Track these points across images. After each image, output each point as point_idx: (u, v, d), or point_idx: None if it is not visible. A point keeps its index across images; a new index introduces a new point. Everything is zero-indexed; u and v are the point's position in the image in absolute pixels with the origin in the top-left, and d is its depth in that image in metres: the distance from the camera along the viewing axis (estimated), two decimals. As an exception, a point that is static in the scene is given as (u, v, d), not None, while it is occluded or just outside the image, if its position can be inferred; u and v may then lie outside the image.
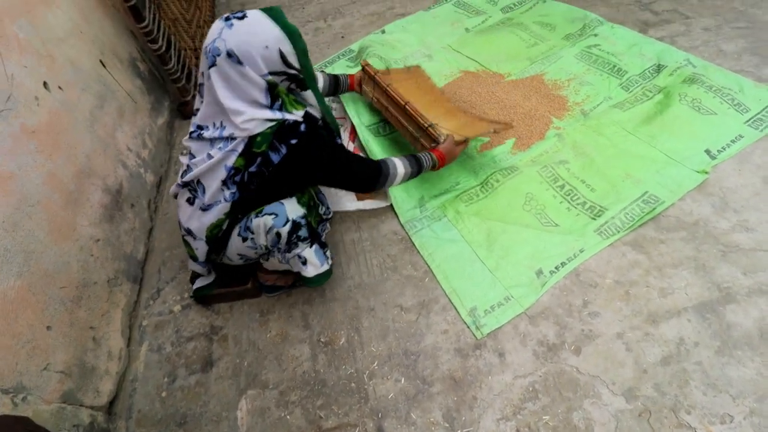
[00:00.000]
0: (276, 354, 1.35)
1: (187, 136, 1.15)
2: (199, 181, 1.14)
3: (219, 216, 1.16)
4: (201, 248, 1.26)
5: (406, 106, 1.52)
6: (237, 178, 1.09)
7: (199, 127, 1.11)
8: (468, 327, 1.28)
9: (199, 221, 1.19)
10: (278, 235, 1.14)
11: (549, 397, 1.13)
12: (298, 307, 1.44)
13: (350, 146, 1.68)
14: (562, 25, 2.27)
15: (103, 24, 1.82)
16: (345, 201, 1.56)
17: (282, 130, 1.05)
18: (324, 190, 1.54)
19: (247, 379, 1.31)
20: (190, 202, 1.18)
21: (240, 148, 1.05)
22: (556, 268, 1.34)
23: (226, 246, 1.25)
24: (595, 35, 2.15)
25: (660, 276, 1.29)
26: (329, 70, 2.01)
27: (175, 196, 1.25)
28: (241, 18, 0.98)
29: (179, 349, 1.41)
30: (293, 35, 1.00)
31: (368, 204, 1.57)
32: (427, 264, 1.45)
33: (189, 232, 1.24)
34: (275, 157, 1.07)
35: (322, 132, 1.15)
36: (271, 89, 1.03)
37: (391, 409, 1.18)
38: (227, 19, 0.99)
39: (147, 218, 1.74)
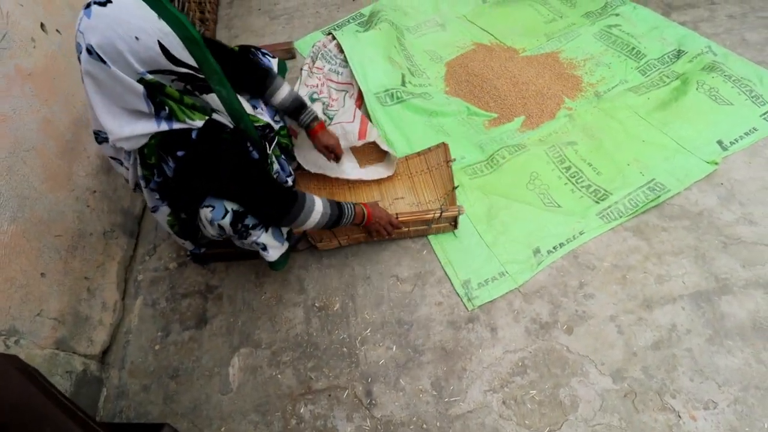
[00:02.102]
0: (270, 315, 1.36)
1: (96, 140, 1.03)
2: (139, 185, 1.07)
3: (166, 216, 1.12)
4: (179, 241, 1.26)
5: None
6: (152, 185, 1.02)
7: (97, 134, 1.02)
8: (461, 299, 1.28)
9: (157, 220, 1.16)
10: (221, 227, 1.03)
11: (537, 372, 1.14)
12: (294, 271, 1.44)
13: (356, 113, 1.63)
14: (583, 2, 2.17)
15: (104, -34, 1.73)
16: (347, 168, 1.52)
17: (166, 141, 0.90)
18: (306, 149, 1.44)
19: (240, 338, 1.32)
20: (146, 204, 1.13)
21: (138, 159, 0.96)
22: (554, 248, 1.33)
23: (199, 232, 1.19)
24: (617, 15, 2.07)
25: (659, 263, 1.29)
26: (338, 34, 1.93)
27: None
28: (104, 4, 0.74)
29: (174, 305, 1.42)
30: (176, 22, 0.79)
31: (371, 173, 1.53)
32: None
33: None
34: (167, 170, 0.94)
35: (224, 141, 0.96)
36: (152, 94, 0.83)
37: (381, 375, 1.20)
38: (87, 6, 0.76)
39: (145, 174, 1.71)
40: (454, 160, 1.49)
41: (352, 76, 1.80)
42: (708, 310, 1.19)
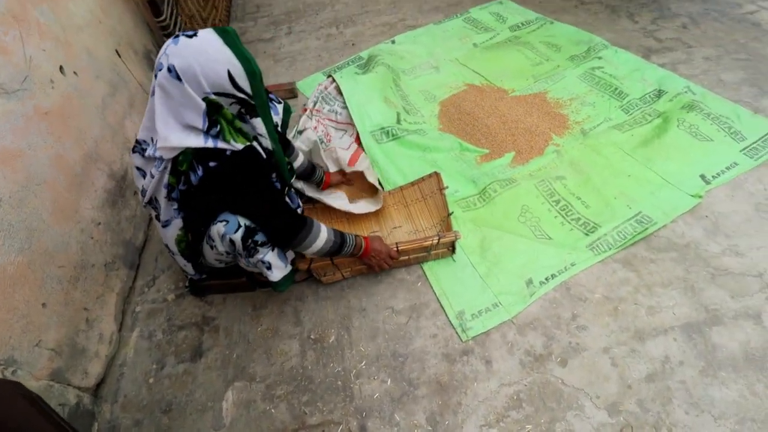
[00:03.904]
0: (265, 348, 1.36)
1: (132, 149, 1.14)
2: (155, 199, 1.14)
3: (177, 231, 1.17)
4: (181, 262, 1.29)
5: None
6: (174, 195, 1.09)
7: (138, 143, 1.10)
8: (455, 330, 1.29)
9: (166, 237, 1.20)
10: (232, 241, 1.11)
11: (533, 406, 1.14)
12: (291, 303, 1.46)
13: (351, 145, 1.73)
14: (568, 47, 2.32)
15: (122, 16, 1.87)
16: (336, 200, 1.57)
17: (203, 152, 1.00)
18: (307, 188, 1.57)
19: (235, 371, 1.32)
20: (158, 219, 1.18)
21: (169, 166, 1.04)
22: (546, 279, 1.36)
23: (202, 255, 1.27)
24: (599, 58, 2.20)
25: (649, 294, 1.31)
26: (337, 76, 2.06)
27: (151, 216, 1.25)
28: (190, 36, 0.93)
29: (170, 337, 1.43)
30: (244, 58, 0.95)
31: (360, 207, 1.58)
32: (420, 266, 1.46)
33: (168, 249, 1.26)
34: (194, 178, 1.03)
35: (255, 164, 1.07)
36: (211, 112, 0.97)
37: (376, 409, 1.19)
38: (175, 36, 0.94)
39: (148, 207, 1.76)
40: (447, 187, 1.54)
41: (349, 116, 1.90)
42: (699, 342, 1.20)
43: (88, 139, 1.45)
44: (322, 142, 1.78)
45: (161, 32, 1.97)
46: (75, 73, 1.44)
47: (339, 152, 1.66)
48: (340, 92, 2.00)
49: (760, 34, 2.32)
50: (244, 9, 3.23)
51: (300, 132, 1.81)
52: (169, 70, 0.91)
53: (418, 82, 2.25)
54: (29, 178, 1.17)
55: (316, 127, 1.85)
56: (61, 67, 1.37)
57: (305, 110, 1.96)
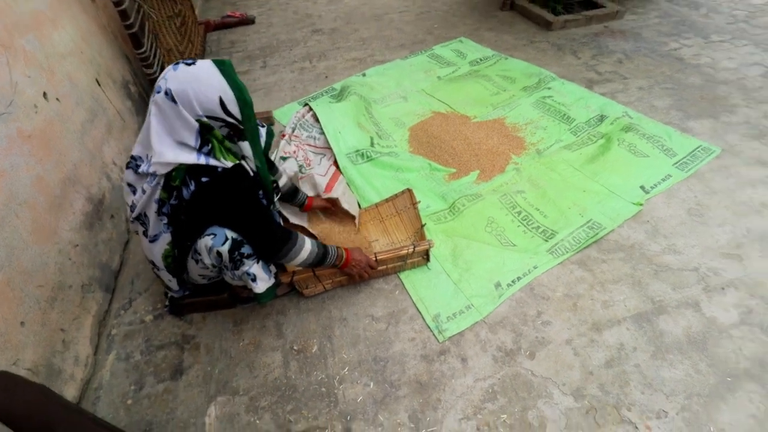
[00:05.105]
0: (248, 361, 1.38)
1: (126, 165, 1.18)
2: (145, 214, 1.17)
3: (165, 246, 1.21)
4: (166, 278, 1.32)
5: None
6: (165, 210, 1.13)
7: (133, 159, 1.15)
8: (432, 332, 1.37)
9: (152, 252, 1.24)
10: (219, 254, 1.16)
11: (506, 397, 1.22)
12: (272, 317, 1.49)
13: (329, 169, 1.83)
14: (521, 79, 2.58)
15: (102, 47, 1.94)
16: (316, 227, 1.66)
17: (195, 168, 1.06)
18: (288, 207, 1.65)
19: (218, 386, 1.32)
20: (145, 234, 1.22)
21: (162, 182, 1.10)
22: (512, 281, 1.47)
23: (186, 270, 1.31)
24: (549, 88, 2.46)
25: (602, 290, 1.45)
26: (313, 105, 2.19)
27: (137, 232, 1.27)
28: (189, 64, 1.01)
29: (148, 357, 1.41)
30: (236, 87, 1.03)
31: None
32: (397, 275, 1.55)
33: (153, 264, 1.29)
34: (185, 193, 1.09)
35: (244, 180, 1.13)
36: (203, 132, 1.04)
37: (360, 412, 1.22)
38: (176, 63, 1.02)
39: (124, 231, 1.77)
40: (419, 202, 1.66)
41: (327, 141, 2.02)
42: (649, 329, 1.33)
43: (68, 163, 1.48)
44: (301, 167, 1.88)
45: (140, 63, 2.05)
46: (57, 99, 1.49)
47: (316, 178, 1.75)
48: (316, 120, 2.13)
49: (683, 66, 2.68)
50: (219, 44, 3.36)
51: (283, 158, 1.90)
52: (166, 93, 0.98)
53: (388, 110, 2.41)
54: (11, 197, 1.18)
55: (295, 152, 1.95)
56: (44, 93, 1.42)
57: (284, 136, 2.06)
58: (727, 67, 2.65)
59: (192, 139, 1.03)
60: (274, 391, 1.30)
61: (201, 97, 0.99)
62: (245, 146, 1.14)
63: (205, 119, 1.02)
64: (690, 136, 2.08)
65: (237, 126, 1.08)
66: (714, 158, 1.95)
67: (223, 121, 1.05)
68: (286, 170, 1.81)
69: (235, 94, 1.03)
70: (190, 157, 1.04)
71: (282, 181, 1.56)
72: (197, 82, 0.99)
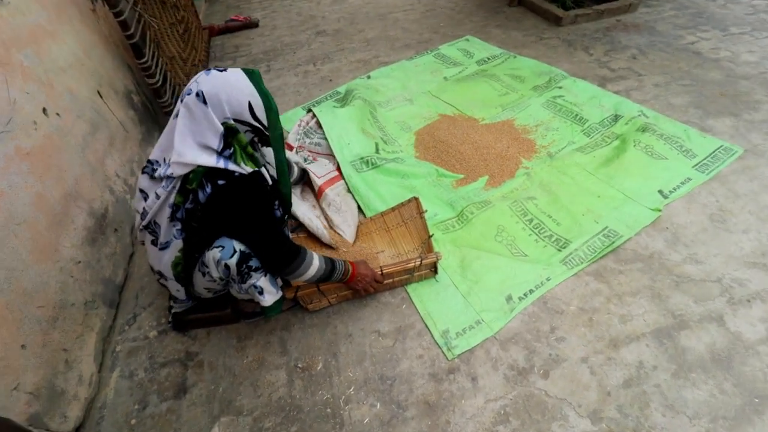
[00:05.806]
0: (252, 380, 1.35)
1: (141, 170, 1.18)
2: (155, 222, 1.16)
3: (175, 253, 1.19)
4: (174, 287, 1.30)
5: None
6: (178, 215, 1.12)
7: (150, 163, 1.14)
8: (440, 348, 1.32)
9: (161, 261, 1.22)
10: (227, 266, 1.15)
11: (519, 420, 1.16)
12: (276, 333, 1.46)
13: (330, 175, 1.82)
14: (531, 78, 2.50)
15: (104, 58, 1.92)
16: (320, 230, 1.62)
17: (213, 171, 1.06)
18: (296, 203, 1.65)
19: (221, 406, 1.29)
20: (154, 243, 1.20)
21: (178, 185, 1.09)
22: (524, 294, 1.41)
23: (192, 284, 1.29)
24: (560, 87, 2.38)
25: (620, 303, 1.38)
26: (317, 110, 2.15)
27: (143, 243, 1.26)
28: (222, 71, 1.05)
29: (152, 375, 1.39)
30: (264, 94, 1.06)
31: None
32: (404, 288, 1.50)
33: (161, 274, 1.26)
34: (201, 196, 1.08)
35: (260, 188, 1.13)
36: (227, 135, 1.05)
37: (366, 434, 1.18)
38: (208, 69, 1.06)
39: (129, 244, 1.75)
40: (426, 211, 1.61)
41: (330, 148, 1.97)
42: (670, 346, 1.26)
43: (69, 178, 1.46)
44: (306, 160, 1.88)
45: (143, 73, 2.03)
46: (57, 114, 1.47)
47: (312, 177, 1.73)
48: (320, 125, 2.08)
49: (701, 61, 2.56)
50: (223, 49, 3.34)
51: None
52: (197, 94, 1.01)
53: (393, 114, 2.36)
54: (9, 217, 1.16)
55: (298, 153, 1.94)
56: (44, 109, 1.40)
57: (291, 148, 2.03)
58: (748, 61, 2.53)
59: (215, 142, 1.04)
60: (279, 412, 1.26)
61: (231, 100, 1.03)
62: (268, 152, 1.17)
63: (231, 122, 1.05)
64: (710, 135, 1.98)
65: (263, 131, 1.11)
66: (736, 159, 1.86)
67: (250, 125, 1.08)
68: (291, 158, 1.80)
69: (263, 101, 1.06)
70: (210, 160, 1.04)
71: (293, 176, 1.61)
72: (229, 85, 1.03)
